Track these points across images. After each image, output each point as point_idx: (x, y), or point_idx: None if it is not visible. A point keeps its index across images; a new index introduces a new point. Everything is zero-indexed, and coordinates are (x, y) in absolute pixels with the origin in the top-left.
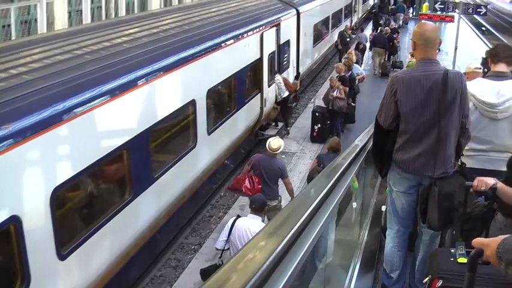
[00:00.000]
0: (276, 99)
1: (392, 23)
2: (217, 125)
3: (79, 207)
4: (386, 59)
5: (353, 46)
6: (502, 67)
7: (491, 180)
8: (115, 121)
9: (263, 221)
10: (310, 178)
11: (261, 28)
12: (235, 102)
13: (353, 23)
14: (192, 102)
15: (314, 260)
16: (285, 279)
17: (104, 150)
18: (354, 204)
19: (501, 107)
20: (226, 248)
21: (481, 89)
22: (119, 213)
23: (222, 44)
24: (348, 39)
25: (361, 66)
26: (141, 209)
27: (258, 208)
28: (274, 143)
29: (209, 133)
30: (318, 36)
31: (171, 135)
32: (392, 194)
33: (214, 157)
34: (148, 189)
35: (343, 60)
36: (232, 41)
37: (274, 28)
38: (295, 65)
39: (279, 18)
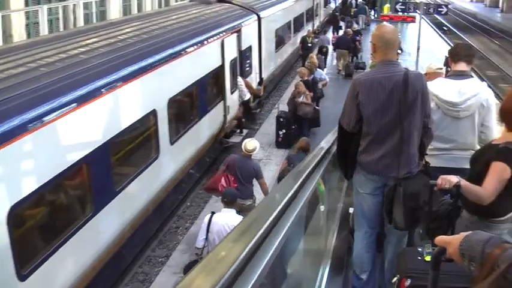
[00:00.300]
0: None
1: (355, 25)
2: (180, 135)
3: (39, 225)
4: (350, 61)
5: (315, 50)
6: (462, 66)
7: (454, 178)
8: (72, 135)
9: (238, 212)
10: (280, 179)
11: (221, 35)
12: (198, 111)
13: (315, 27)
14: (153, 112)
15: (283, 265)
16: (251, 283)
17: (62, 165)
18: (322, 208)
19: (463, 106)
20: (206, 245)
21: (442, 89)
22: (81, 229)
23: (182, 52)
24: (310, 45)
25: (324, 70)
26: (104, 223)
27: (229, 201)
28: (250, 144)
29: (172, 143)
30: (280, 41)
31: (132, 146)
32: (359, 196)
33: (178, 167)
34: (110, 204)
35: (306, 64)
36: (192, 48)
37: (235, 34)
38: (257, 70)
39: (239, 24)
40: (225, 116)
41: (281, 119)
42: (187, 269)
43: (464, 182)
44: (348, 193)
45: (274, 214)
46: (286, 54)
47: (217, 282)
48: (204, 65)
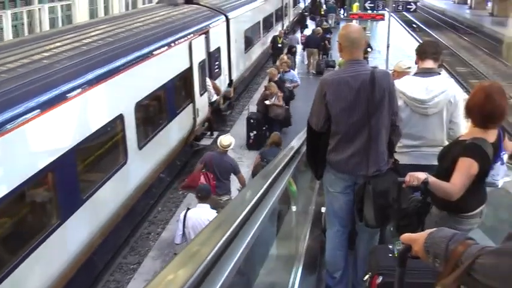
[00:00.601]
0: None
1: (325, 23)
2: (148, 139)
3: (2, 237)
4: (319, 59)
5: (285, 50)
6: (429, 63)
7: (422, 175)
8: (36, 142)
9: (212, 207)
10: (254, 174)
11: (189, 36)
12: (167, 114)
13: (284, 27)
14: (120, 117)
15: (255, 266)
16: (221, 281)
17: (25, 174)
18: (294, 208)
19: (431, 103)
20: (184, 241)
21: (410, 86)
22: (48, 239)
23: (149, 55)
24: (280, 45)
25: (295, 71)
26: (72, 232)
27: (204, 196)
28: (226, 140)
29: (140, 148)
30: (249, 42)
31: (99, 152)
32: (329, 195)
33: (147, 172)
34: (77, 212)
35: (277, 62)
36: (159, 51)
37: (203, 36)
38: (227, 72)
39: (207, 25)
40: (194, 118)
41: (251, 121)
42: None
43: (432, 179)
44: (320, 193)
45: (244, 213)
46: (255, 55)
47: (188, 278)
48: (172, 68)
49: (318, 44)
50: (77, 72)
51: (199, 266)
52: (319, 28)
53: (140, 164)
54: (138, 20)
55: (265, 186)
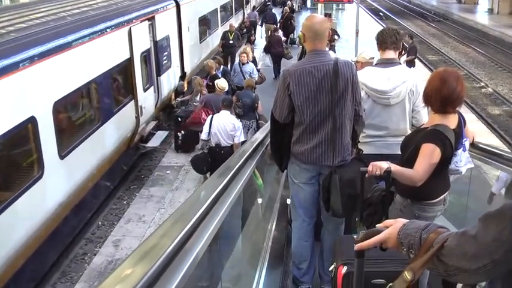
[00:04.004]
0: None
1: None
2: (74, 145)
3: None
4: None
5: (244, 45)
6: (390, 54)
7: (384, 164)
8: None
9: (231, 113)
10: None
11: (128, 22)
12: (100, 114)
13: (246, 16)
14: (31, 121)
15: (220, 259)
16: (179, 277)
17: None
18: (259, 200)
19: (392, 93)
20: (208, 138)
21: (371, 77)
22: None
23: (74, 44)
24: (232, 42)
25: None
26: None
27: (227, 104)
28: (221, 82)
29: (62, 156)
30: (205, 31)
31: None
32: (294, 187)
33: (76, 183)
34: None
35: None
36: (87, 38)
37: (147, 22)
38: (178, 64)
39: (153, 11)
40: (137, 117)
41: (180, 119)
42: (194, 161)
43: (394, 167)
44: (286, 185)
45: (205, 206)
46: (213, 46)
47: (147, 271)
48: (106, 59)
49: (274, 19)
50: None
51: (157, 259)
52: (287, 8)
53: (63, 176)
54: (65, 3)
55: (227, 179)
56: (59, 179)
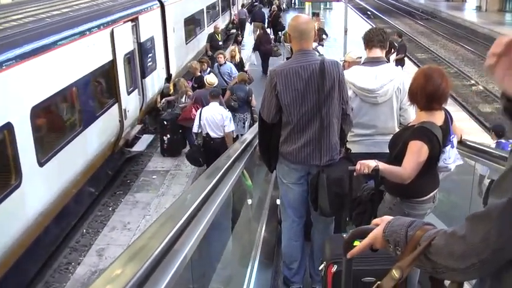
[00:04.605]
0: None
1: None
2: (54, 152)
3: None
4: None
5: (233, 42)
6: (376, 52)
7: (372, 162)
8: None
9: (220, 104)
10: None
11: (110, 23)
12: (81, 118)
13: (232, 17)
14: (7, 127)
15: (211, 261)
16: (168, 278)
17: None
18: (249, 201)
19: (380, 91)
20: (199, 130)
21: (358, 76)
22: None
23: (53, 46)
24: (221, 43)
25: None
26: None
27: (214, 95)
28: (210, 77)
29: (42, 164)
30: (191, 32)
31: None
32: (283, 187)
33: (58, 191)
34: None
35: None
36: (67, 40)
37: (130, 23)
38: (163, 66)
39: (136, 12)
40: (121, 121)
41: (165, 123)
42: (190, 155)
43: (382, 165)
44: (276, 185)
45: (194, 206)
46: (199, 47)
47: (136, 271)
48: (87, 61)
49: (262, 18)
50: None
51: (146, 260)
52: (275, 6)
53: (43, 184)
54: (45, 4)
55: (215, 179)
56: (39, 187)
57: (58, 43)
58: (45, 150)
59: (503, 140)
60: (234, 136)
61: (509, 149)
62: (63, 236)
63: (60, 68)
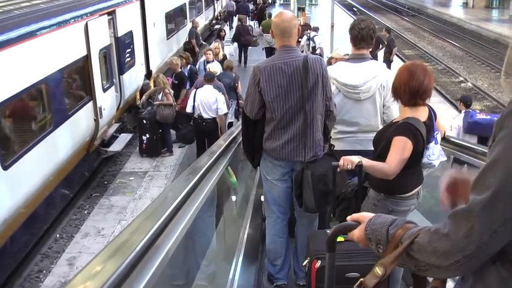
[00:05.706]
0: None
1: None
2: (20, 153)
3: None
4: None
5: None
6: (362, 50)
7: (355, 158)
8: None
9: (214, 87)
10: None
11: (84, 16)
12: (52, 117)
13: (217, 12)
14: None
15: (196, 258)
16: (149, 274)
17: None
18: (233, 198)
19: (363, 88)
20: (193, 111)
21: (342, 72)
22: None
23: (19, 40)
24: (203, 43)
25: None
26: None
27: (209, 79)
28: (214, 66)
29: (6, 167)
30: (173, 27)
31: None
32: (267, 183)
33: (26, 195)
34: None
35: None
36: (35, 34)
37: (106, 17)
38: (143, 61)
39: (113, 5)
40: (96, 120)
41: (144, 121)
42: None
43: (366, 161)
44: (260, 182)
45: (177, 202)
46: (181, 42)
47: (118, 267)
48: (57, 57)
49: (246, 10)
50: None
51: (128, 256)
52: (260, 0)
53: (8, 188)
54: None
55: (199, 175)
56: (3, 192)
57: (25, 37)
58: (10, 152)
59: (470, 110)
60: (227, 122)
61: (477, 116)
62: (34, 242)
63: (27, 63)
